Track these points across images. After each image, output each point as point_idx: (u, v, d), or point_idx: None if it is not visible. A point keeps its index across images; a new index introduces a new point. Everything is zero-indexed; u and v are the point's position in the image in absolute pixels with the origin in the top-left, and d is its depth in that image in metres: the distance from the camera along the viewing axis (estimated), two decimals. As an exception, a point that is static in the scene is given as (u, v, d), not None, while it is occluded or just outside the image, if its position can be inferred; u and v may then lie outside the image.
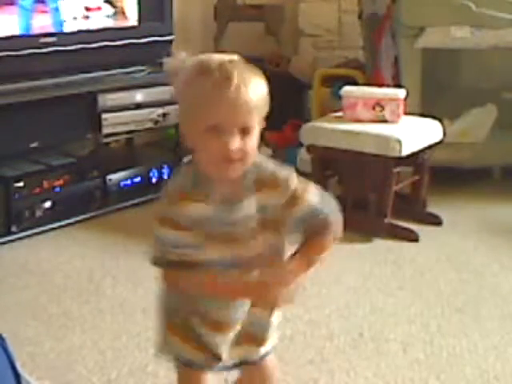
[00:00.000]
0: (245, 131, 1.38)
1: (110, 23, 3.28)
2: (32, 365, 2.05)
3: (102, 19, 3.24)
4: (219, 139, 1.35)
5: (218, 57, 1.39)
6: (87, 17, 3.20)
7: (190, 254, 1.44)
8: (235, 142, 1.35)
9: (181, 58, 1.43)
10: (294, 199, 1.47)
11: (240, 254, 1.46)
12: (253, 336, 1.55)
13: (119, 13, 3.31)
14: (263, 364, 1.60)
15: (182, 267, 1.44)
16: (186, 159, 1.51)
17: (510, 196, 3.42)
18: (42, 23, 3.07)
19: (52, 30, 3.11)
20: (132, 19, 3.35)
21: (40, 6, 3.07)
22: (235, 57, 1.41)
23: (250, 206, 1.45)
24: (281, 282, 1.52)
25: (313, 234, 1.55)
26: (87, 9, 3.20)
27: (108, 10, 3.27)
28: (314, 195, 1.49)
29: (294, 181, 1.48)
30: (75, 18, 3.17)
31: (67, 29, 3.16)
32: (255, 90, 1.39)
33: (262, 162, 1.47)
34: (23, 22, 3.02)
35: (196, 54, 1.43)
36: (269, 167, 1.47)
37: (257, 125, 1.42)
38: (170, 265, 1.45)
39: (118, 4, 3.31)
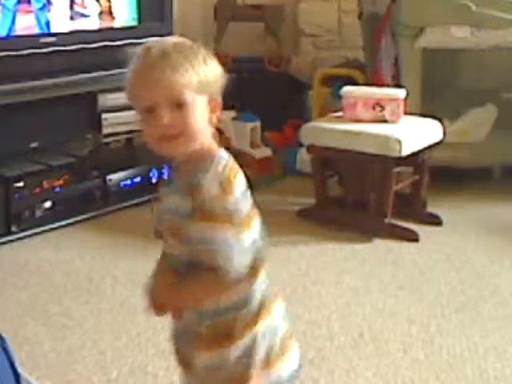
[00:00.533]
0: (177, 105, 1.34)
1: (96, 23, 3.27)
2: (32, 365, 2.05)
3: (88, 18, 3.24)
4: (152, 118, 1.34)
5: (163, 40, 1.39)
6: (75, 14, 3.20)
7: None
8: (163, 117, 1.33)
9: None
10: (198, 212, 1.35)
11: (167, 250, 1.46)
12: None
13: (105, 12, 3.31)
14: None
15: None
16: None
17: (509, 196, 3.42)
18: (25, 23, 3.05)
19: (52, 30, 3.11)
20: (119, 19, 3.34)
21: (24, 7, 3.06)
22: (181, 39, 1.40)
23: (172, 202, 1.40)
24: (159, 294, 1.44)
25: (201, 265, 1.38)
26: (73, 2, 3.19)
27: (95, 9, 3.27)
28: (226, 232, 1.35)
29: (211, 192, 1.34)
30: (71, 18, 3.17)
31: (67, 29, 3.16)
32: (182, 65, 1.34)
33: (213, 167, 1.37)
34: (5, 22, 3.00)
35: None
36: (209, 172, 1.36)
37: (197, 99, 1.35)
38: None
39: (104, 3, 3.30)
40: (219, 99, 1.41)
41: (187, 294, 1.43)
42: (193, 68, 1.36)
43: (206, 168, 1.36)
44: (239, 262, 1.38)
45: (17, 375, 1.47)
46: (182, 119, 1.35)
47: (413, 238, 2.96)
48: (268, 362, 1.45)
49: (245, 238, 1.38)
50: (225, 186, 1.35)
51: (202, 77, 1.37)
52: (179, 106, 1.34)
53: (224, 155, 1.39)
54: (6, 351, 1.46)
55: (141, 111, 1.37)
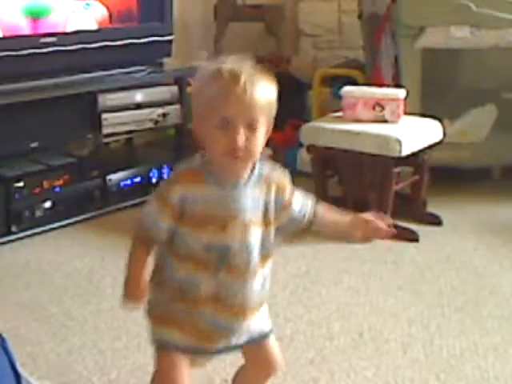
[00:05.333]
0: (251, 127, 1.46)
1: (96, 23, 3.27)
2: (32, 365, 2.05)
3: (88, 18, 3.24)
4: (227, 133, 1.44)
5: (230, 60, 1.50)
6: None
7: (149, 228, 1.57)
8: (241, 137, 1.44)
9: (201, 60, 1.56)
10: (286, 204, 1.61)
11: (220, 239, 1.52)
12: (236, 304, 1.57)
13: (105, 12, 3.30)
14: (264, 347, 1.65)
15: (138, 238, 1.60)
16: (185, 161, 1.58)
17: (509, 196, 3.42)
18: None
19: (52, 30, 3.11)
20: (119, 19, 3.33)
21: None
22: (248, 61, 1.52)
23: (252, 197, 1.54)
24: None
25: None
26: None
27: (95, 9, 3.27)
28: (297, 199, 1.64)
29: (289, 185, 1.62)
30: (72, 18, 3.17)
31: (67, 29, 3.16)
32: (262, 91, 1.48)
33: (268, 163, 1.58)
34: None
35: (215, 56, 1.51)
36: (276, 168, 1.59)
37: (263, 126, 1.49)
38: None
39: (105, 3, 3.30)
40: (272, 125, 1.53)
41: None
42: (267, 92, 1.50)
43: (264, 162, 1.56)
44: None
45: (17, 375, 1.47)
46: (253, 142, 1.47)
47: (413, 238, 2.96)
48: None
49: None
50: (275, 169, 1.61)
51: (270, 100, 1.51)
52: (252, 128, 1.46)
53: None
54: (6, 351, 1.46)
55: (211, 125, 1.46)
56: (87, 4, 3.22)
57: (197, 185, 1.51)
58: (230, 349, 1.62)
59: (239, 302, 1.55)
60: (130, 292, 1.55)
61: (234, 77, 1.45)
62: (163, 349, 1.58)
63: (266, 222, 1.57)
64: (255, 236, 1.55)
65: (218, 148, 1.46)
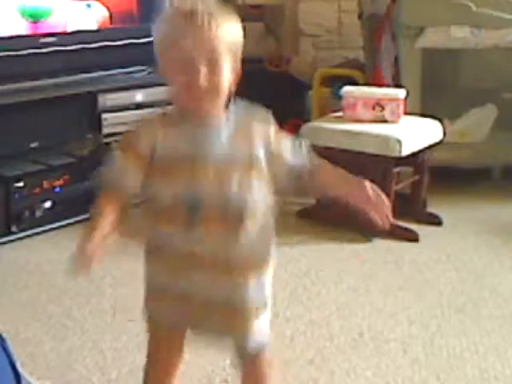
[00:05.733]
0: (212, 62, 1.40)
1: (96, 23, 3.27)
2: (32, 365, 2.05)
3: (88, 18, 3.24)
4: (187, 72, 1.39)
5: (194, 0, 1.44)
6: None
7: (117, 178, 1.45)
8: (201, 72, 1.38)
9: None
10: (272, 156, 1.49)
11: (190, 188, 1.41)
12: (227, 307, 1.47)
13: (105, 12, 3.30)
14: (256, 362, 1.55)
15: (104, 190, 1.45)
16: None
17: (509, 196, 3.42)
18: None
19: (52, 30, 3.10)
20: (119, 19, 3.33)
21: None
22: (214, 1, 1.47)
23: (230, 142, 1.45)
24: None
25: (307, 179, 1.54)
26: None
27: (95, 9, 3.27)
28: (287, 145, 1.52)
29: (273, 128, 1.51)
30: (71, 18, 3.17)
31: (67, 29, 3.16)
32: (222, 28, 1.41)
33: (246, 105, 1.52)
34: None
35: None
36: (256, 111, 1.51)
37: (226, 62, 1.43)
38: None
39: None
40: (239, 65, 1.48)
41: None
42: (229, 28, 1.43)
43: (239, 107, 1.51)
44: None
45: (17, 375, 1.47)
46: (216, 78, 1.40)
47: (413, 237, 2.96)
48: None
49: None
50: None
51: (233, 37, 1.44)
52: (213, 64, 1.40)
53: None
54: (6, 351, 1.46)
55: (170, 63, 1.42)
56: (88, 5, 3.22)
57: (165, 127, 1.44)
58: (223, 332, 1.50)
59: (222, 261, 1.43)
60: (79, 247, 1.34)
61: (192, 11, 1.40)
62: (151, 329, 1.55)
63: (251, 171, 1.44)
64: (235, 186, 1.42)
65: (179, 86, 1.42)
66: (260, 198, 1.45)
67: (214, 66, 1.40)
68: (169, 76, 1.45)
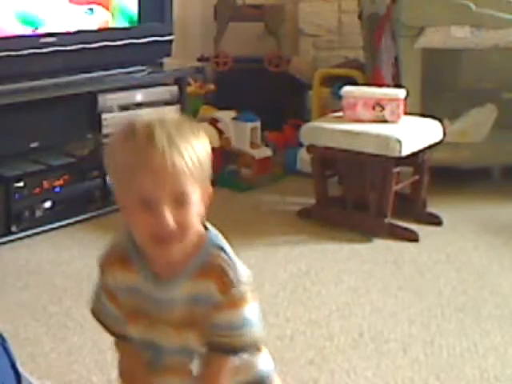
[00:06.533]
0: (178, 201, 1.20)
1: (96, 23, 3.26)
2: (32, 365, 2.05)
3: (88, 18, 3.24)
4: (149, 214, 1.19)
5: (148, 118, 1.23)
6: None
7: (110, 323, 1.39)
8: (167, 218, 1.18)
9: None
10: (228, 303, 1.29)
11: (159, 340, 1.35)
12: None
13: (105, 12, 3.30)
14: None
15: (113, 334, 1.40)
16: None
17: (509, 196, 3.42)
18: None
19: (52, 30, 3.10)
20: (119, 19, 3.33)
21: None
22: (169, 115, 1.27)
23: (179, 287, 1.30)
24: None
25: (214, 354, 1.34)
26: None
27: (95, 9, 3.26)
28: (246, 312, 1.32)
29: (242, 288, 1.30)
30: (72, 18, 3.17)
31: (67, 29, 3.16)
32: (187, 152, 1.19)
33: (212, 247, 1.30)
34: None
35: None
36: (221, 258, 1.29)
37: (195, 191, 1.22)
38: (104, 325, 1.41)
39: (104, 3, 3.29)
40: (210, 186, 1.27)
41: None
42: (194, 152, 1.20)
43: (207, 246, 1.29)
44: (262, 336, 1.36)
45: (18, 375, 1.47)
46: (184, 216, 1.21)
47: (413, 238, 2.96)
48: None
49: (259, 311, 1.35)
50: (237, 265, 1.30)
51: (200, 161, 1.22)
52: (181, 201, 1.20)
53: (213, 231, 1.33)
54: (7, 351, 1.46)
55: (129, 202, 1.20)
56: (90, 10, 3.21)
57: (124, 273, 1.30)
58: None
59: None
60: None
61: (149, 139, 1.16)
62: None
63: (191, 320, 1.31)
64: (187, 337, 1.33)
65: (141, 231, 1.22)
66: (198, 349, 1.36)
67: (180, 203, 1.20)
68: (125, 208, 1.23)
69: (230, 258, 1.30)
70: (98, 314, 1.41)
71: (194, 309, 1.30)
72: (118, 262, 1.31)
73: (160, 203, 1.18)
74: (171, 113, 1.27)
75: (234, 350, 1.33)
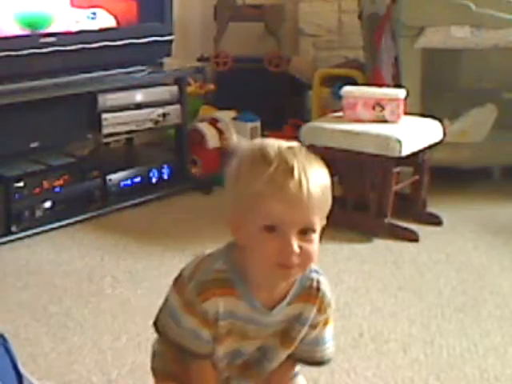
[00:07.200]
0: (306, 232, 1.23)
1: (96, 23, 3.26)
2: (32, 365, 2.05)
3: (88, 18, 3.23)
4: (277, 240, 1.21)
5: (276, 143, 1.25)
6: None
7: (196, 345, 1.37)
8: (295, 245, 1.21)
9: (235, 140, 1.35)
10: (323, 321, 1.42)
11: (243, 349, 1.40)
12: None
13: (105, 12, 3.29)
14: None
15: (179, 351, 1.39)
16: (214, 250, 1.39)
17: (509, 196, 3.42)
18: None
19: (52, 30, 3.11)
20: (119, 19, 3.32)
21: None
22: (294, 143, 1.27)
23: (280, 313, 1.36)
24: None
25: (292, 362, 1.48)
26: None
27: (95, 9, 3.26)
28: (331, 328, 1.45)
29: (332, 307, 1.42)
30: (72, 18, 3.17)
31: (67, 29, 3.16)
32: (318, 184, 1.22)
33: (310, 271, 1.36)
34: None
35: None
36: (321, 282, 1.38)
37: (320, 222, 1.26)
38: (170, 342, 1.41)
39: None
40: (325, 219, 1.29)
41: None
42: (323, 183, 1.23)
43: (307, 273, 1.36)
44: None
45: (19, 375, 1.47)
46: (309, 247, 1.24)
47: (413, 238, 2.96)
48: None
49: None
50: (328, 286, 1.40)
51: (327, 192, 1.25)
52: (307, 230, 1.23)
53: None
54: (8, 352, 1.46)
55: (256, 227, 1.22)
56: (93, 13, 3.20)
57: (226, 298, 1.31)
58: None
59: None
60: None
61: (286, 169, 1.18)
62: None
63: (286, 340, 1.40)
64: (272, 352, 1.42)
65: (264, 255, 1.22)
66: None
67: (307, 232, 1.23)
68: (244, 231, 1.24)
69: (325, 279, 1.39)
70: (176, 338, 1.39)
71: (290, 327, 1.38)
72: (219, 289, 1.32)
73: (290, 231, 1.21)
74: (290, 141, 1.26)
75: (316, 363, 1.47)
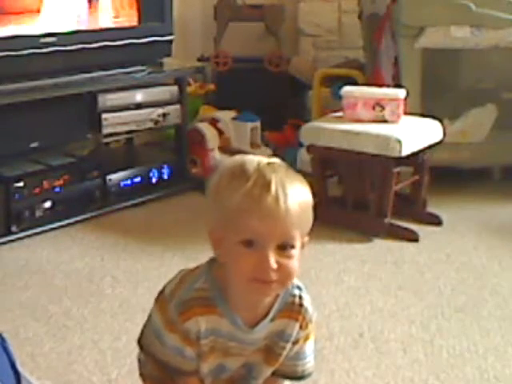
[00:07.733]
0: (285, 248, 1.23)
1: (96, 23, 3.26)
2: (32, 365, 2.05)
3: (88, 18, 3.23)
4: (254, 255, 1.21)
5: (256, 159, 1.26)
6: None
7: (180, 362, 1.38)
8: (272, 260, 1.21)
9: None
10: (305, 336, 1.45)
11: (227, 365, 1.41)
12: None
13: (105, 12, 3.30)
14: None
15: (165, 368, 1.40)
16: (197, 266, 1.40)
17: (509, 196, 3.42)
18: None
19: (52, 30, 3.10)
20: (119, 19, 3.33)
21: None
22: (275, 160, 1.28)
23: (263, 329, 1.37)
24: None
25: (275, 378, 1.50)
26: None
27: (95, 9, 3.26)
28: (312, 343, 1.49)
29: (314, 322, 1.45)
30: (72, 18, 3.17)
31: (67, 29, 3.16)
32: (297, 200, 1.22)
33: (292, 287, 1.37)
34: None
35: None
36: (303, 298, 1.39)
37: (299, 238, 1.24)
38: (155, 360, 1.42)
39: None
40: (307, 236, 1.29)
41: None
42: (303, 199, 1.23)
43: (289, 289, 1.37)
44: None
45: (17, 375, 1.47)
46: (288, 263, 1.23)
47: (413, 238, 2.96)
48: None
49: None
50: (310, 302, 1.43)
51: (307, 208, 1.25)
52: (286, 246, 1.23)
53: None
54: (6, 351, 1.46)
55: (234, 242, 1.22)
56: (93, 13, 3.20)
57: (209, 317, 1.32)
58: None
59: None
60: None
61: (263, 184, 1.19)
62: None
63: (270, 357, 1.42)
64: (257, 369, 1.44)
65: (241, 270, 1.23)
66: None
67: (285, 248, 1.22)
68: (222, 244, 1.25)
69: (307, 294, 1.40)
70: (161, 356, 1.40)
71: (273, 344, 1.40)
72: (200, 308, 1.32)
73: (267, 246, 1.21)
74: (270, 157, 1.26)
75: (297, 378, 1.49)
